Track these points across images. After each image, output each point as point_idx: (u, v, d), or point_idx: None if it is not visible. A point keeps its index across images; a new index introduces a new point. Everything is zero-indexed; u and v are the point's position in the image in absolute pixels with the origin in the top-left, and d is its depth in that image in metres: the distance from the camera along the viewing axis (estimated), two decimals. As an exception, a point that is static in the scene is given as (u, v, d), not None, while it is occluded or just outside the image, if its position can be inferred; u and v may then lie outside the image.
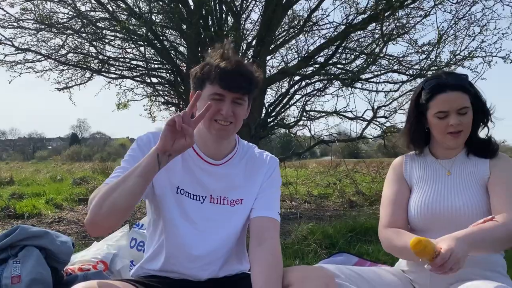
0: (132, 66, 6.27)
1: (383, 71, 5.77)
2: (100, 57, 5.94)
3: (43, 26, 5.53)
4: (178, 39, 6.69)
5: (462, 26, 5.16)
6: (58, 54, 5.97)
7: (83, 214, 5.39)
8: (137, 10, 5.28)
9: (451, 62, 5.02)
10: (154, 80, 6.27)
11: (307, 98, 6.73)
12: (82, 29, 5.55)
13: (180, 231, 1.52)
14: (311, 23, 6.07)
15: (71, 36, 5.71)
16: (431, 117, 1.70)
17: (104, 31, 5.49)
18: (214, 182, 1.56)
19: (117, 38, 5.68)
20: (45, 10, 5.41)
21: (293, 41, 6.63)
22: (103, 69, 6.28)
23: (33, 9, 5.40)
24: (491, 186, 1.62)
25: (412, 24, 5.41)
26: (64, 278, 1.75)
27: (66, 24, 5.57)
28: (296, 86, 6.30)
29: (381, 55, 5.32)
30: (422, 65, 5.39)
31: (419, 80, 5.85)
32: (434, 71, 5.27)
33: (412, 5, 5.30)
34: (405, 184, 1.80)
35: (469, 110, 1.64)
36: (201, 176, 1.55)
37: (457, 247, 1.33)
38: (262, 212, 1.58)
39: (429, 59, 5.20)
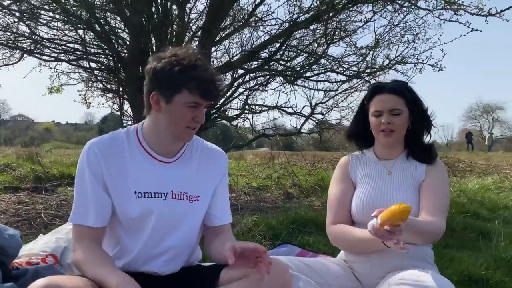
0: (69, 49, 5.95)
1: (323, 71, 6.04)
2: (33, 37, 5.56)
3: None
4: (118, 24, 6.46)
5: (397, 33, 5.57)
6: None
7: (10, 204, 5.07)
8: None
9: (386, 65, 5.39)
10: (93, 65, 5.99)
11: (250, 92, 6.85)
12: (13, 6, 5.16)
13: (143, 234, 1.56)
14: (256, 18, 6.16)
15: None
16: (370, 116, 1.89)
17: (39, 11, 5.13)
18: (171, 179, 1.60)
19: (55, 20, 5.34)
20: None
21: (237, 35, 6.71)
22: (35, 51, 5.90)
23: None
24: (423, 189, 1.82)
25: (353, 29, 5.71)
26: (12, 272, 1.69)
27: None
28: (240, 80, 6.38)
29: (323, 55, 5.55)
30: (359, 67, 5.73)
31: (355, 81, 6.23)
32: (370, 73, 5.64)
33: (352, 9, 5.58)
34: (350, 183, 1.96)
35: (402, 112, 1.84)
36: (158, 173, 1.58)
37: None
38: (224, 220, 1.71)
39: (365, 61, 5.55)
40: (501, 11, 4.24)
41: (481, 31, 4.35)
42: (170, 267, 1.61)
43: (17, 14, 5.17)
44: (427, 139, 1.94)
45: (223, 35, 6.36)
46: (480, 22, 4.36)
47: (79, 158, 1.55)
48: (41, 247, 1.93)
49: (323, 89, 6.17)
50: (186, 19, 5.92)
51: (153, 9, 5.66)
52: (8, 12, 5.06)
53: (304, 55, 6.34)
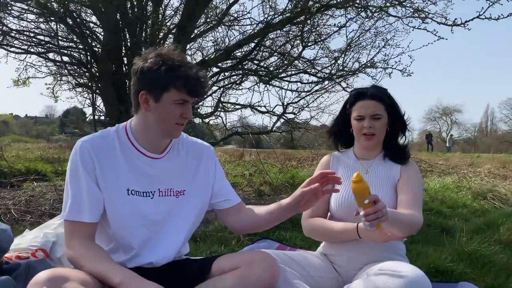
0: (39, 41, 5.80)
1: (296, 72, 6.20)
2: (3, 28, 5.40)
3: None
4: (90, 18, 6.36)
5: (367, 38, 5.80)
6: None
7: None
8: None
9: (356, 69, 5.61)
10: (65, 58, 5.88)
11: (223, 90, 6.92)
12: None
13: (134, 231, 1.61)
14: (231, 17, 6.24)
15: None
16: (352, 120, 2.03)
17: (12, 2, 4.99)
18: (159, 175, 1.66)
19: (28, 12, 5.20)
20: None
21: (211, 33, 6.76)
22: (3, 42, 5.72)
23: None
24: (400, 187, 1.97)
25: (328, 33, 5.90)
26: (3, 266, 1.71)
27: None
28: (214, 78, 6.44)
29: (298, 57, 5.71)
30: (331, 69, 5.94)
31: (326, 82, 6.43)
32: (341, 75, 5.85)
33: (325, 12, 5.76)
34: None
35: (382, 117, 1.99)
36: (146, 171, 1.64)
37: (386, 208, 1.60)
38: (236, 198, 1.84)
39: (337, 64, 5.75)
40: (466, 21, 4.53)
41: (447, 39, 4.64)
42: (163, 257, 1.68)
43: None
44: (401, 140, 2.09)
45: (198, 32, 6.40)
46: (445, 30, 4.64)
47: (71, 156, 1.59)
48: (29, 241, 1.94)
49: (296, 89, 6.34)
50: (161, 16, 5.92)
51: (128, 5, 5.63)
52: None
53: (277, 55, 6.49)
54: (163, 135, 1.64)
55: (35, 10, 5.05)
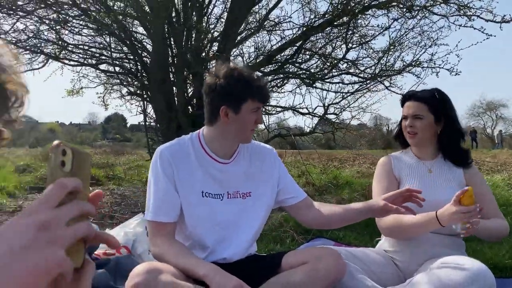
0: (93, 54, 6.18)
1: (338, 73, 6.24)
2: (60, 43, 5.80)
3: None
4: (137, 29, 6.69)
5: (411, 37, 5.76)
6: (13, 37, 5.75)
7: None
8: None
9: (402, 68, 5.59)
10: (117, 69, 6.23)
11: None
12: (41, 13, 5.39)
13: (208, 231, 1.76)
14: (273, 22, 6.37)
15: (30, 19, 5.52)
16: (402, 120, 2.13)
17: (71, 19, 5.37)
18: (228, 179, 1.81)
19: (86, 28, 5.58)
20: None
21: (253, 38, 6.93)
22: (61, 55, 6.13)
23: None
24: (476, 196, 2.01)
25: (372, 35, 5.91)
26: (95, 261, 1.91)
27: (27, 8, 5.37)
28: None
29: (342, 59, 5.76)
30: (374, 69, 5.95)
31: (368, 82, 6.44)
32: (384, 75, 5.84)
33: (367, 13, 5.79)
34: (394, 180, 2.16)
35: (424, 117, 2.06)
36: (217, 175, 1.79)
37: None
38: (302, 194, 1.95)
39: (380, 64, 5.76)
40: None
41: (495, 36, 4.54)
42: (235, 254, 1.82)
43: (46, 21, 5.40)
44: (462, 144, 2.12)
45: (240, 39, 6.58)
46: (492, 26, 4.54)
47: (152, 162, 1.77)
48: (113, 240, 2.14)
49: (338, 90, 6.39)
50: (205, 24, 6.15)
51: (174, 15, 5.88)
52: (39, 20, 5.28)
53: (318, 57, 6.56)
54: (239, 142, 1.80)
55: (90, 25, 5.39)
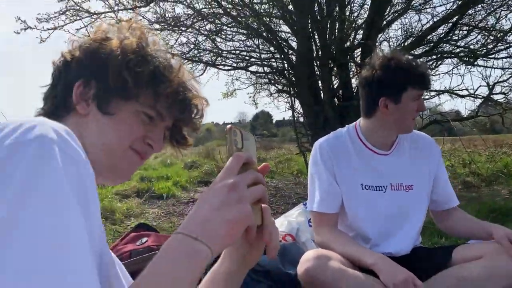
0: (244, 57, 6.69)
1: (506, 46, 5.47)
2: (215, 50, 6.41)
3: (166, 26, 6.13)
4: (280, 27, 6.97)
5: None
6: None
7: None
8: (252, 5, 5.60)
9: None
10: (266, 69, 6.61)
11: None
12: (202, 27, 6.06)
13: (369, 223, 1.75)
14: (422, 0, 5.92)
15: (190, 33, 6.23)
16: None
17: (223, 27, 5.90)
18: (389, 171, 1.76)
19: (238, 33, 6.09)
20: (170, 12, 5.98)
21: (399, 21, 6.54)
22: (217, 62, 6.78)
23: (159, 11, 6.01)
24: None
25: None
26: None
27: (186, 23, 6.07)
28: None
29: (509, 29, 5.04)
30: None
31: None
32: None
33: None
34: None
35: None
36: (378, 167, 1.75)
37: None
38: (450, 203, 1.85)
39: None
40: None
41: None
42: (401, 249, 1.77)
43: (204, 32, 6.04)
44: None
45: (385, 23, 6.29)
46: None
47: (311, 156, 1.83)
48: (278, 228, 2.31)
49: (505, 66, 5.60)
50: (348, 13, 6.07)
51: (316, 9, 5.95)
52: (197, 31, 5.94)
53: (479, 31, 5.85)
54: (401, 132, 1.75)
55: (241, 31, 5.83)
